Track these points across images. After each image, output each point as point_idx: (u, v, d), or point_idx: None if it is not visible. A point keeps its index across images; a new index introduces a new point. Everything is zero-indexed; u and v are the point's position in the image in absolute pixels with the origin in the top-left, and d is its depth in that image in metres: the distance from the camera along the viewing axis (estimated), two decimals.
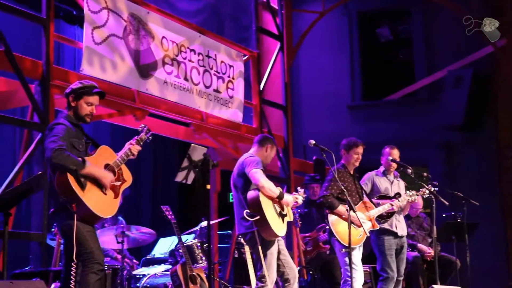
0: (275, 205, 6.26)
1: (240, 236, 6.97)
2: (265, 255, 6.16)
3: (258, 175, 6.13)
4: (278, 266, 6.31)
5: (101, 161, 5.08)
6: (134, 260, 8.10)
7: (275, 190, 6.20)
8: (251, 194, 6.17)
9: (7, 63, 6.85)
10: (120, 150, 5.30)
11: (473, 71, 12.63)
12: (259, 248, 6.13)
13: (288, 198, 6.35)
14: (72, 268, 4.85)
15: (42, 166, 6.83)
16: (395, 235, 7.38)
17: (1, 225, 5.07)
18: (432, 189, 7.54)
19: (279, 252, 6.31)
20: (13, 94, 7.29)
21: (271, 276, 6.16)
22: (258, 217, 6.07)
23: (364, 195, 7.18)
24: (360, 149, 7.13)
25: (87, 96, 5.16)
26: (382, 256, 7.34)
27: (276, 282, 6.38)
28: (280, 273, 6.35)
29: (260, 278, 6.17)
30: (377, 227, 7.09)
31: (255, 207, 6.11)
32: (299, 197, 6.55)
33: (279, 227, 6.19)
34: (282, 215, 6.30)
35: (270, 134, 10.37)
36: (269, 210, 6.15)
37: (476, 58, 12.91)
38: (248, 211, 6.12)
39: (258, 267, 6.21)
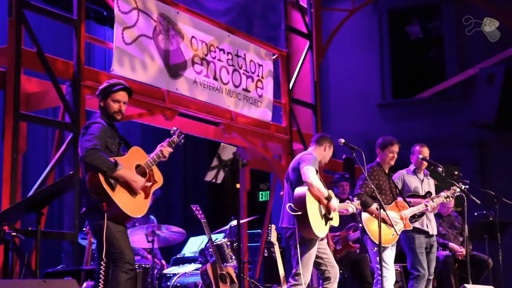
0: (321, 206, 6.23)
1: (269, 227, 7.18)
2: (302, 255, 6.15)
3: (309, 172, 6.11)
4: (320, 264, 6.32)
5: (132, 161, 5.10)
6: (163, 261, 8.13)
7: (324, 191, 6.17)
8: (299, 190, 6.17)
9: (39, 64, 6.94)
10: (150, 150, 5.32)
11: (506, 68, 12.44)
12: (298, 246, 6.13)
13: (335, 202, 6.29)
14: (101, 267, 4.90)
15: (74, 166, 6.90)
16: (425, 234, 7.32)
17: (33, 224, 5.13)
18: (463, 187, 7.44)
19: (321, 251, 6.31)
20: (45, 94, 7.36)
21: (305, 276, 6.15)
22: (300, 213, 6.08)
23: (398, 194, 7.14)
24: (395, 148, 7.09)
25: (112, 93, 5.20)
26: (413, 254, 7.28)
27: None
28: (322, 271, 6.35)
29: (294, 275, 6.17)
30: (410, 227, 7.03)
31: (300, 203, 6.10)
32: (350, 205, 6.52)
33: (319, 228, 6.15)
34: (326, 218, 6.26)
35: (299, 133, 10.38)
36: (313, 209, 6.13)
37: (509, 55, 12.72)
38: (292, 205, 6.14)
39: (294, 264, 6.21)
